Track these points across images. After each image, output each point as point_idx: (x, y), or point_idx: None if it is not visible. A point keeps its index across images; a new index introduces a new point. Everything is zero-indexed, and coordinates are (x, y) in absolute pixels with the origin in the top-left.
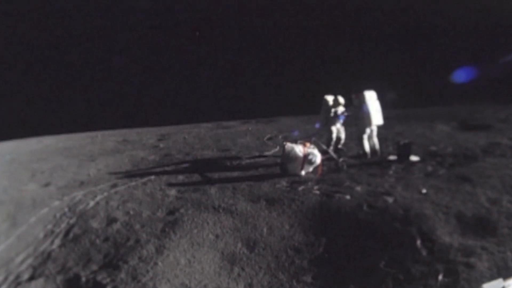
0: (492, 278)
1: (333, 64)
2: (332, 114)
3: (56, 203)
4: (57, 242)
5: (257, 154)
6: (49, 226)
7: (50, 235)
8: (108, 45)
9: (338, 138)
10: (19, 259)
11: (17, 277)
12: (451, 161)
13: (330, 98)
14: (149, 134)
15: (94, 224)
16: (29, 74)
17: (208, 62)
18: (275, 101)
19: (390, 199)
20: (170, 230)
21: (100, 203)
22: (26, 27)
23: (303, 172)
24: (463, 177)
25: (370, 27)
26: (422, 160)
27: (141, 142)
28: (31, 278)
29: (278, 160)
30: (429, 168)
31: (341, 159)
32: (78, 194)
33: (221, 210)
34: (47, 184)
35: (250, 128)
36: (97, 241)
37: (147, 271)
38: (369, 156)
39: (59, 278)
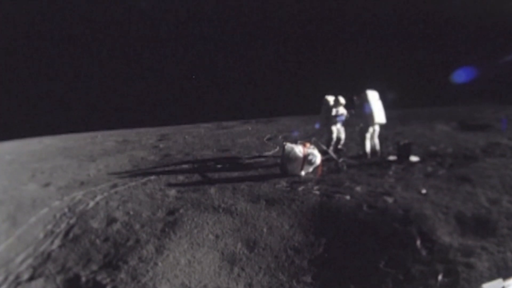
0: (492, 278)
1: (333, 64)
2: (333, 114)
3: (56, 203)
4: (57, 242)
5: (257, 154)
6: (49, 226)
7: (50, 235)
8: (108, 45)
9: (338, 139)
10: (19, 259)
11: (17, 277)
12: (451, 161)
13: (330, 98)
14: (149, 134)
15: (94, 224)
16: (29, 74)
17: (208, 62)
18: (275, 101)
19: (390, 199)
20: (170, 230)
21: (100, 203)
22: (26, 27)
23: (303, 173)
24: (463, 177)
25: (370, 27)
26: (422, 161)
27: (141, 142)
28: (31, 278)
29: (278, 160)
30: (429, 168)
31: (341, 160)
32: (78, 194)
33: (221, 210)
34: (47, 184)
35: (250, 128)
36: (97, 241)
37: (147, 271)
38: (369, 156)
39: (59, 278)
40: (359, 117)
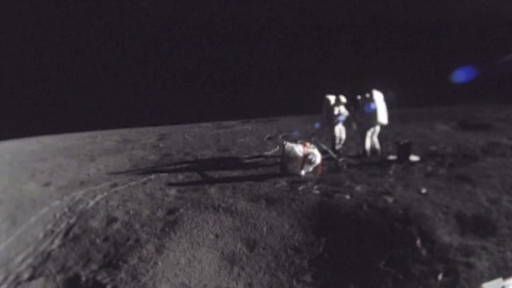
0: (492, 278)
1: (333, 64)
2: (336, 113)
3: (56, 203)
4: (57, 241)
5: (257, 154)
6: (49, 226)
7: (50, 234)
8: (108, 45)
9: (339, 138)
10: (19, 258)
11: (17, 276)
12: (451, 161)
13: (331, 98)
14: (149, 134)
15: (94, 223)
16: (30, 74)
17: (208, 62)
18: (275, 101)
19: (390, 199)
20: (170, 229)
21: (100, 202)
22: (26, 27)
23: (303, 172)
24: (463, 177)
25: (371, 27)
26: (422, 160)
27: (141, 142)
28: (31, 277)
29: (278, 160)
30: (429, 168)
31: (341, 159)
32: (78, 194)
33: (221, 210)
34: (47, 184)
35: (250, 128)
36: (97, 240)
37: (147, 271)
38: (369, 154)
39: (59, 278)
40: (362, 115)
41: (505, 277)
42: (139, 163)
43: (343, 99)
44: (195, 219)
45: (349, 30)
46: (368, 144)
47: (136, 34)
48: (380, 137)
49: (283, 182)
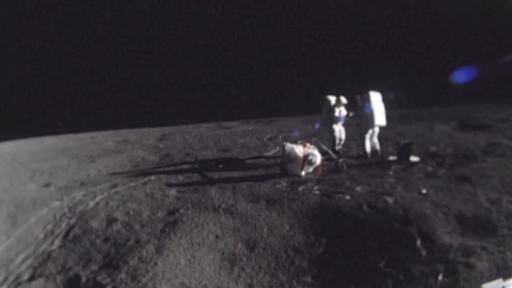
0: (492, 278)
1: (333, 64)
2: (336, 114)
3: (56, 203)
4: (57, 242)
5: (257, 154)
6: (49, 227)
7: (50, 235)
8: (108, 45)
9: (339, 139)
10: (19, 259)
11: (17, 277)
12: (451, 161)
13: (332, 98)
14: (149, 134)
15: (94, 224)
16: (30, 74)
17: (208, 62)
18: (275, 101)
19: (390, 200)
20: (170, 230)
21: (100, 203)
22: (26, 27)
23: (303, 173)
24: (463, 177)
25: (371, 27)
26: (422, 161)
27: (141, 142)
28: (31, 278)
29: (278, 161)
30: (429, 169)
31: (341, 160)
32: (78, 195)
33: (221, 210)
34: (47, 184)
35: (250, 128)
36: (97, 241)
37: (147, 271)
38: (369, 156)
39: (59, 278)
40: (360, 117)
41: (505, 277)
42: (139, 163)
43: (343, 99)
44: (195, 219)
45: (349, 30)
46: (368, 146)
47: (136, 34)
48: (380, 137)
49: (283, 183)
